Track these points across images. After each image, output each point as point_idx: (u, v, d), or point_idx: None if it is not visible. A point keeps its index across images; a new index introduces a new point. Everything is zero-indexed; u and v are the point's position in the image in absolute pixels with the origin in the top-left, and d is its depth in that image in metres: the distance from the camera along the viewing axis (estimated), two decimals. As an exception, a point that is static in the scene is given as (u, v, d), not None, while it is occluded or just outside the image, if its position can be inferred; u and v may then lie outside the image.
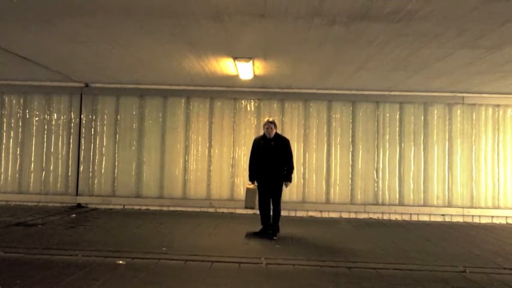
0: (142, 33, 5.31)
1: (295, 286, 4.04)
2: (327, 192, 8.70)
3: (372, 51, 5.82)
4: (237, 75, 7.44)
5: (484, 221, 8.50)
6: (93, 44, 5.89)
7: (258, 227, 6.40)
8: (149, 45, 5.88)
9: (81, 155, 8.90)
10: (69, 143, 8.95)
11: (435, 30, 4.88)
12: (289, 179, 6.29)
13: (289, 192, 8.45)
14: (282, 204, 6.30)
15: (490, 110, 8.73)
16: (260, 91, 8.77)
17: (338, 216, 8.58)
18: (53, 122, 8.97)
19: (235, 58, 6.34)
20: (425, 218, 8.54)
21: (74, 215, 7.70)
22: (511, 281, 4.41)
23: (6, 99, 9.02)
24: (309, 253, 5.33)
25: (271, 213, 6.24)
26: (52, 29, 5.25)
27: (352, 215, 8.61)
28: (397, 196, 8.66)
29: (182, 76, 7.80)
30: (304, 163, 8.73)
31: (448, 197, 8.64)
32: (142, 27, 5.05)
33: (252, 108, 8.88)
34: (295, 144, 8.53)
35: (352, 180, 8.72)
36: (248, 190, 6.39)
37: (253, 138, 6.81)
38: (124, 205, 8.78)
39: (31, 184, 8.89)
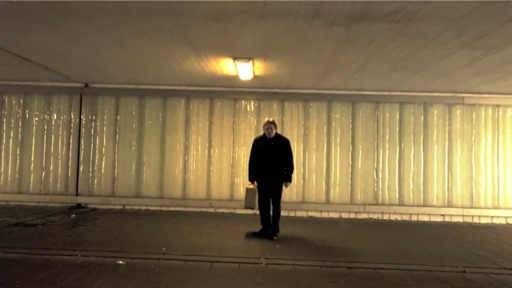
0: (142, 33, 5.31)
1: (295, 286, 4.04)
2: (327, 193, 8.70)
3: (371, 52, 5.82)
4: (237, 76, 7.44)
5: (483, 221, 8.51)
6: (93, 44, 5.89)
7: (258, 227, 6.40)
8: (149, 45, 5.88)
9: (81, 155, 8.90)
10: (68, 143, 8.95)
11: (435, 31, 4.89)
12: (289, 179, 6.29)
13: (289, 193, 8.45)
14: (282, 204, 6.29)
15: (490, 110, 8.74)
16: (260, 91, 8.77)
17: (338, 217, 8.58)
18: (53, 122, 8.97)
19: (235, 58, 6.34)
20: (425, 218, 8.54)
21: (73, 215, 7.70)
22: (511, 281, 4.41)
23: (6, 99, 9.02)
24: (309, 253, 5.33)
25: (271, 214, 6.24)
26: (52, 29, 5.25)
27: (352, 215, 8.61)
28: (397, 196, 8.66)
29: (182, 76, 7.80)
30: (304, 163, 8.73)
31: (448, 197, 8.64)
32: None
33: (252, 109, 8.88)
34: (295, 144, 8.53)
35: (352, 180, 8.72)
36: (248, 190, 6.39)
37: (253, 138, 6.80)
38: (124, 205, 8.78)
39: (31, 184, 8.89)
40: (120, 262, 4.61)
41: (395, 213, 8.59)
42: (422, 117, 8.75)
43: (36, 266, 4.40)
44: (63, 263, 4.53)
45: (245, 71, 6.97)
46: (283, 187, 6.25)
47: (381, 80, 7.65)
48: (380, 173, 8.72)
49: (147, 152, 8.88)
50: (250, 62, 6.47)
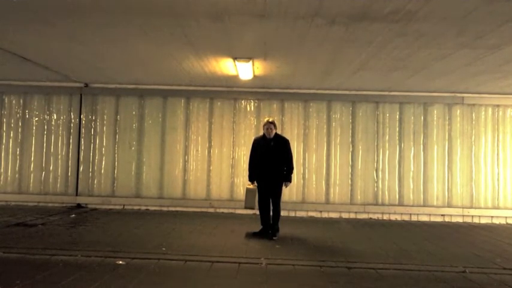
0: (142, 33, 5.31)
1: (295, 286, 4.04)
2: (327, 193, 8.69)
3: (371, 51, 5.82)
4: (237, 76, 7.44)
5: (483, 221, 8.51)
6: (93, 44, 5.89)
7: (258, 227, 6.40)
8: (149, 45, 5.88)
9: (81, 155, 8.90)
10: (68, 143, 8.95)
11: (435, 30, 4.89)
12: (289, 179, 6.29)
13: (289, 193, 8.46)
14: (281, 205, 6.29)
15: (490, 110, 8.74)
16: (260, 91, 8.77)
17: (338, 217, 8.58)
18: (53, 122, 8.97)
19: (235, 58, 6.34)
20: (425, 218, 8.54)
21: (73, 215, 7.70)
22: (511, 282, 4.41)
23: (6, 99, 9.02)
24: (309, 253, 5.33)
25: (271, 214, 6.25)
26: (52, 29, 5.25)
27: (352, 215, 8.61)
28: (397, 196, 8.66)
29: (182, 76, 7.80)
30: (304, 163, 8.72)
31: (448, 197, 8.64)
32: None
33: (252, 109, 8.88)
34: (295, 144, 8.54)
35: (352, 180, 8.72)
36: (248, 190, 6.39)
37: (253, 138, 6.81)
38: (124, 205, 8.78)
39: (31, 184, 8.89)
40: (120, 262, 4.61)
41: (395, 213, 8.59)
42: (422, 117, 8.75)
43: (36, 266, 4.40)
44: (63, 263, 4.53)
45: (245, 71, 6.97)
46: (283, 187, 6.26)
47: (380, 80, 7.65)
48: (380, 173, 8.72)
49: (147, 152, 8.88)
50: (250, 62, 6.47)
